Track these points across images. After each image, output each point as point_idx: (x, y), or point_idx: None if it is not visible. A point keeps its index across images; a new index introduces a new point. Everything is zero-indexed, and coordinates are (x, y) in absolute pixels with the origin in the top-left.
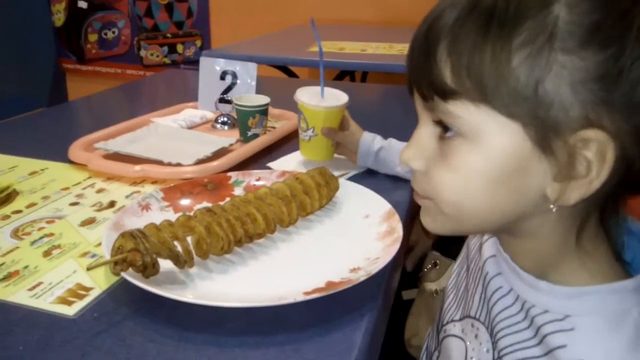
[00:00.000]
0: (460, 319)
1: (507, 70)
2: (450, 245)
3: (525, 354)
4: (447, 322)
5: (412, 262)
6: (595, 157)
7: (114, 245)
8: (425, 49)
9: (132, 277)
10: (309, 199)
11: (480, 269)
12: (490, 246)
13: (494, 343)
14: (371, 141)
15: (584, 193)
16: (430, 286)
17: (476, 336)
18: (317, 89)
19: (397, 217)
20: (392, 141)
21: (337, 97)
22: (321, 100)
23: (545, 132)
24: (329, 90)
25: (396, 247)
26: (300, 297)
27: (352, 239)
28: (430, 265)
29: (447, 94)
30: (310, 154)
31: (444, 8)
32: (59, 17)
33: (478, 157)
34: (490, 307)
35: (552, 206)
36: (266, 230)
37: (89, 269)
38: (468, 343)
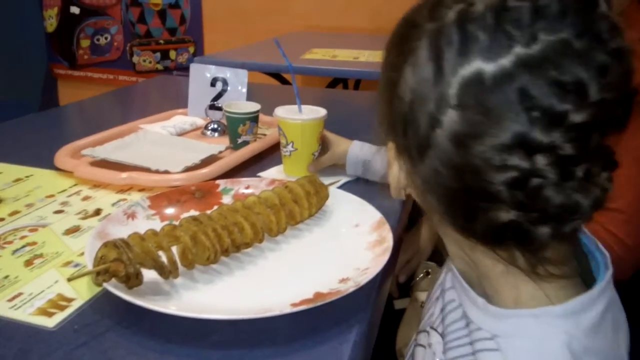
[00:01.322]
0: (427, 330)
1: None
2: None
3: None
4: (419, 332)
5: (406, 274)
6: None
7: (96, 255)
8: None
9: (114, 288)
10: (299, 208)
11: (443, 280)
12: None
13: (445, 353)
14: (359, 150)
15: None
16: (422, 296)
17: (430, 345)
18: (296, 107)
19: (387, 227)
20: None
21: (315, 112)
22: (298, 114)
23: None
24: (307, 107)
25: (386, 257)
26: (288, 309)
27: (342, 249)
28: (422, 274)
29: None
30: (291, 170)
31: None
32: (51, 22)
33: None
34: (444, 318)
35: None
36: (254, 239)
37: (69, 279)
38: (426, 352)
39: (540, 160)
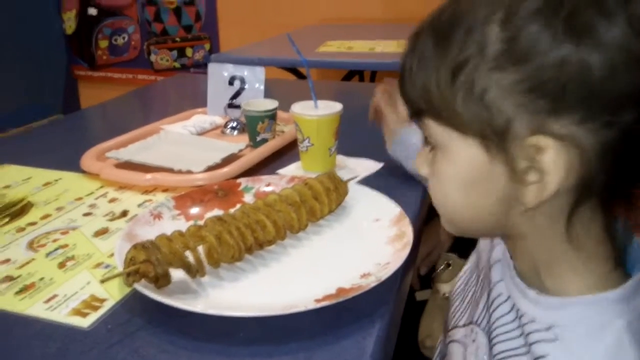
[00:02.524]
0: (465, 325)
1: (450, 93)
2: (467, 248)
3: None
4: (452, 328)
5: (427, 266)
6: (549, 162)
7: (126, 257)
8: (402, 68)
9: (144, 288)
10: (319, 205)
11: (487, 274)
12: (498, 251)
13: (490, 349)
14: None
15: (540, 195)
16: (444, 287)
17: (474, 341)
18: (312, 102)
19: (407, 221)
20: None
21: (331, 107)
22: (314, 109)
23: (496, 142)
24: (324, 102)
25: (406, 251)
26: (311, 305)
27: (362, 244)
28: (443, 266)
29: (416, 112)
30: (308, 166)
31: (420, 26)
32: (69, 24)
33: (447, 166)
34: (491, 313)
35: (522, 208)
36: (276, 237)
37: (102, 281)
38: (467, 348)
39: None
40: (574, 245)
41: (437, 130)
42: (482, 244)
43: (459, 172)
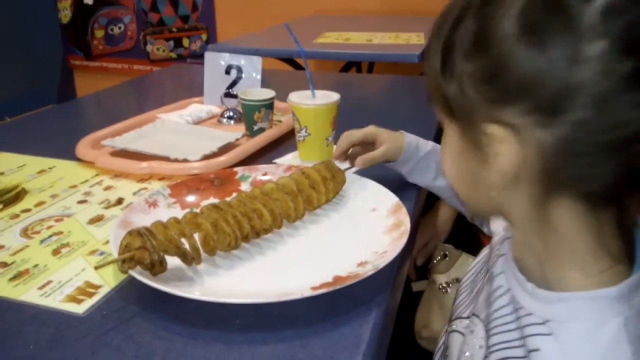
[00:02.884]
0: (468, 317)
1: (436, 80)
2: (464, 240)
3: (509, 353)
4: (455, 318)
5: (423, 257)
6: (501, 150)
7: (121, 243)
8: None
9: (139, 275)
10: (316, 193)
11: (491, 267)
12: (506, 246)
13: (487, 339)
14: (415, 149)
15: (501, 181)
16: (440, 278)
17: (472, 332)
18: (310, 92)
19: (404, 210)
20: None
21: (328, 97)
22: (312, 99)
23: (466, 127)
24: (321, 92)
25: (404, 240)
26: (308, 293)
27: (359, 233)
28: (439, 257)
29: (428, 97)
30: (305, 155)
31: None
32: (65, 13)
33: (444, 144)
34: (490, 304)
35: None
36: (273, 225)
37: (96, 267)
38: (465, 338)
39: None
40: (563, 238)
41: (438, 112)
42: (496, 239)
43: (449, 150)
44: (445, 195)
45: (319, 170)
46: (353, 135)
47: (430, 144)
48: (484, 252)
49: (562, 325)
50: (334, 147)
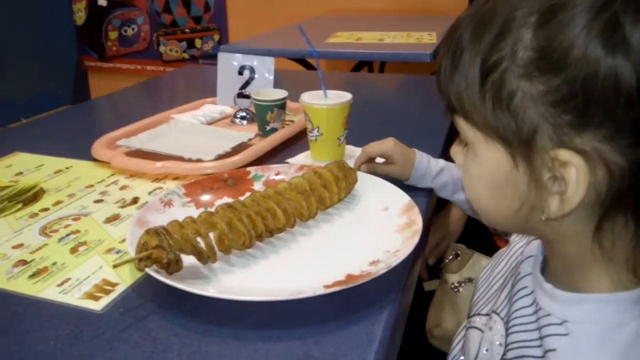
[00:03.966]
0: (487, 314)
1: (478, 96)
2: (476, 239)
3: (527, 352)
4: (473, 315)
5: (435, 256)
6: (571, 176)
7: (138, 242)
8: (438, 64)
9: (155, 273)
10: (328, 193)
11: (517, 267)
12: (533, 247)
13: (506, 337)
14: (426, 167)
15: (562, 208)
16: (452, 277)
17: (491, 328)
18: (322, 92)
19: (416, 210)
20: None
21: (340, 97)
22: (324, 99)
23: (520, 150)
24: (333, 92)
25: (416, 239)
26: (321, 291)
27: (372, 232)
28: (451, 256)
29: (449, 109)
30: (318, 155)
31: (457, 22)
32: (80, 15)
33: (475, 165)
34: (512, 304)
35: (544, 217)
36: (286, 224)
37: (115, 266)
38: (484, 334)
39: None
40: (603, 252)
41: (467, 129)
42: (517, 238)
43: (485, 173)
44: (466, 207)
45: (331, 169)
46: (372, 152)
47: (440, 162)
48: (504, 250)
49: (579, 326)
50: (346, 146)
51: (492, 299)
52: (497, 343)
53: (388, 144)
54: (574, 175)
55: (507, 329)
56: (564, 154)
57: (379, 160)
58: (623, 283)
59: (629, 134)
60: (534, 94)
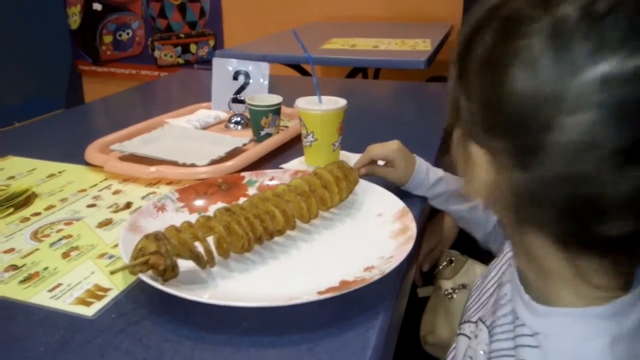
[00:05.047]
0: (475, 322)
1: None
2: (470, 245)
3: None
4: (464, 322)
5: (429, 263)
6: (480, 168)
7: (136, 246)
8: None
9: (149, 278)
10: (329, 193)
11: (503, 274)
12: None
13: (490, 345)
14: (424, 175)
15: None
16: (446, 284)
17: (477, 336)
18: (317, 98)
19: (410, 216)
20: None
21: (335, 102)
22: (319, 104)
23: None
24: (327, 98)
25: (410, 245)
26: (314, 297)
27: (366, 238)
28: (445, 263)
29: None
30: (312, 160)
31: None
32: (74, 19)
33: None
34: (495, 311)
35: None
36: (286, 226)
37: (112, 272)
38: (470, 342)
39: None
40: (543, 265)
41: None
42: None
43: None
44: (458, 217)
45: (331, 170)
46: (376, 155)
47: (439, 172)
48: (498, 258)
49: (550, 339)
50: (341, 152)
51: (482, 307)
52: (481, 352)
53: (392, 148)
54: (483, 169)
55: (490, 337)
56: (478, 150)
57: (379, 162)
58: (592, 299)
59: (522, 156)
60: (476, 91)
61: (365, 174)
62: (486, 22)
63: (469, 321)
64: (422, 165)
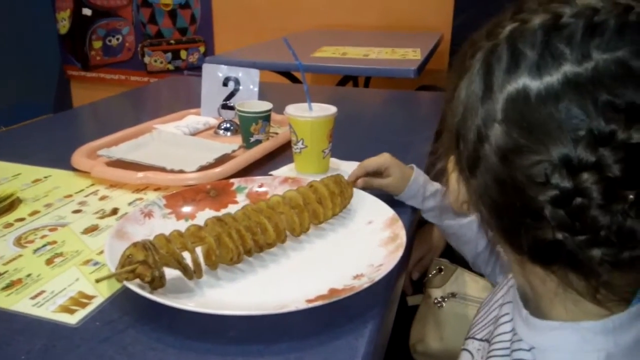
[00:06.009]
0: (481, 339)
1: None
2: (459, 254)
3: None
4: (468, 337)
5: (419, 271)
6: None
7: (124, 252)
8: None
9: (134, 286)
10: (322, 209)
11: (505, 294)
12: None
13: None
14: (421, 185)
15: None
16: (435, 292)
17: (478, 350)
18: (307, 105)
19: (400, 224)
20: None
21: (325, 109)
22: (309, 111)
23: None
24: (318, 105)
25: (399, 253)
26: (303, 305)
27: (356, 245)
28: (435, 271)
29: None
30: (302, 167)
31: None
32: (63, 24)
33: None
34: (495, 329)
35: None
36: (277, 240)
37: (98, 281)
38: (472, 357)
39: (585, 179)
40: (534, 282)
41: None
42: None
43: None
44: (449, 233)
45: (327, 184)
46: (369, 165)
47: (436, 185)
48: (506, 277)
49: (545, 353)
50: (330, 159)
51: (487, 326)
52: None
53: (384, 156)
54: (451, 167)
55: (488, 352)
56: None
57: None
58: (586, 314)
59: (464, 168)
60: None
61: (361, 187)
62: (461, 50)
63: (473, 337)
64: (419, 177)
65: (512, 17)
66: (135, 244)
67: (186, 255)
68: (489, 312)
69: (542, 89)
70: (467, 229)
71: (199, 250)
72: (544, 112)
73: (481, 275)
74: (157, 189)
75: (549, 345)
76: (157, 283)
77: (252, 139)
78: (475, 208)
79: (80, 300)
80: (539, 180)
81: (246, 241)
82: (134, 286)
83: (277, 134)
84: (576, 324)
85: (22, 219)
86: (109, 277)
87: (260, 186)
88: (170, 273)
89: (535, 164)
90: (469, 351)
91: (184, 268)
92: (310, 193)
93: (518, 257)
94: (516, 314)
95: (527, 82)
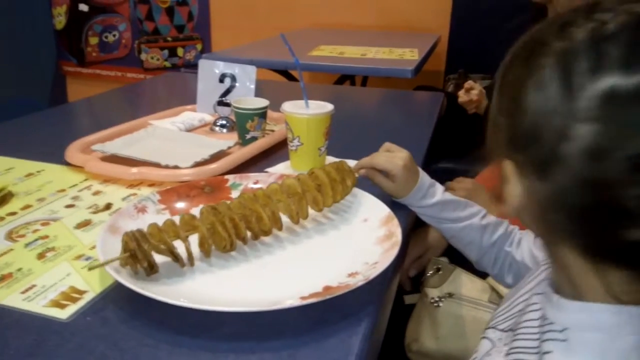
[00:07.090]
0: (502, 330)
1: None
2: (459, 253)
3: (524, 357)
4: (490, 327)
5: (416, 269)
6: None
7: (122, 238)
8: None
9: (127, 281)
10: (322, 197)
11: (535, 287)
12: (546, 269)
13: (509, 344)
14: (421, 197)
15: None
16: (432, 292)
17: (500, 339)
18: (304, 102)
19: (396, 222)
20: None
21: (322, 107)
22: (305, 108)
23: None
24: (315, 102)
25: (395, 251)
26: (297, 302)
27: (351, 243)
28: (432, 271)
29: None
30: (298, 165)
31: None
32: (59, 20)
33: None
34: (521, 316)
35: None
36: (273, 226)
37: (90, 269)
38: (494, 347)
39: None
40: (575, 276)
41: None
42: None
43: None
44: (448, 236)
45: (328, 171)
46: (379, 163)
47: (437, 197)
48: (533, 272)
49: (578, 333)
50: (327, 157)
51: (512, 318)
52: (503, 354)
53: (397, 164)
54: (512, 182)
55: (513, 337)
56: (508, 164)
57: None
58: (625, 296)
59: (539, 167)
60: (500, 107)
61: (364, 175)
62: (516, 48)
63: (495, 327)
64: (424, 184)
65: (586, 17)
66: (127, 234)
67: (179, 245)
68: (513, 304)
69: (634, 86)
70: (469, 230)
71: (193, 239)
72: (634, 107)
73: (483, 275)
74: (151, 185)
75: (583, 326)
76: (148, 272)
77: (248, 136)
78: (538, 214)
79: (72, 295)
80: (632, 176)
81: (240, 230)
82: (126, 281)
83: (273, 131)
84: (612, 306)
85: (14, 213)
86: (101, 264)
87: (256, 183)
88: (162, 266)
89: (628, 159)
90: (489, 339)
91: (175, 257)
92: (310, 181)
93: (575, 259)
94: (546, 302)
95: (617, 80)
